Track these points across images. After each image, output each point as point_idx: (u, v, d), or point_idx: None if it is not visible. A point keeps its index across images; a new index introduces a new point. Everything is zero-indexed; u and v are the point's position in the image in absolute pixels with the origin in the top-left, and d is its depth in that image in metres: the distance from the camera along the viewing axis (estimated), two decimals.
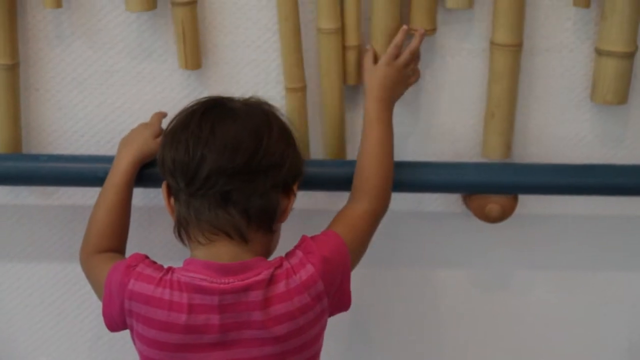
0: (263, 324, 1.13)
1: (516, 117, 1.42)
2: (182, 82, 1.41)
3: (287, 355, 1.15)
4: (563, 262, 1.53)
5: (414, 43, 1.32)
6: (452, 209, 1.48)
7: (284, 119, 1.23)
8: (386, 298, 1.54)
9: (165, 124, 1.26)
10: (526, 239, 1.50)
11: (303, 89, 1.38)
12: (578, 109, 1.42)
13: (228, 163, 1.14)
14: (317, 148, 1.42)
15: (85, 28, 1.38)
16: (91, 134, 1.43)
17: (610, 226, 1.50)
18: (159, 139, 1.28)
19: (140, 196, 1.42)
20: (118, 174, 1.29)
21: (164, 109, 1.39)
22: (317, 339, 1.18)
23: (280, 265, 1.15)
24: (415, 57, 1.34)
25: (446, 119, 1.43)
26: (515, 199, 1.41)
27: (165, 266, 1.17)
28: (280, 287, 1.14)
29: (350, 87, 1.40)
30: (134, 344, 1.18)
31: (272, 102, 1.25)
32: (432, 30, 1.35)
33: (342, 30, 1.35)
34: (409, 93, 1.37)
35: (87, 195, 1.43)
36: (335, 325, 1.26)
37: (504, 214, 1.40)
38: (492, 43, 1.36)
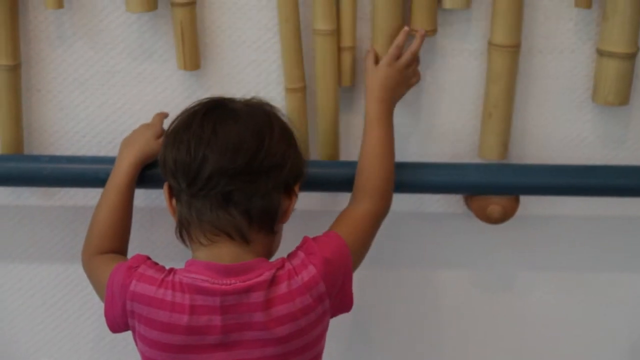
0: (265, 325, 1.13)
1: (517, 117, 1.42)
2: (184, 82, 1.41)
3: (288, 356, 1.15)
4: (564, 263, 1.53)
5: (415, 44, 1.33)
6: (453, 209, 1.48)
7: (285, 119, 1.23)
8: (387, 299, 1.54)
9: (166, 124, 1.26)
10: (527, 240, 1.50)
11: (303, 89, 1.38)
12: (579, 109, 1.42)
13: (230, 164, 1.14)
14: (316, 148, 1.42)
15: (86, 29, 1.38)
16: (93, 134, 1.43)
17: (611, 227, 1.50)
18: (161, 140, 1.28)
19: (142, 197, 1.42)
20: (120, 175, 1.29)
21: (165, 110, 1.39)
22: (319, 340, 1.18)
23: (282, 267, 1.15)
24: (416, 58, 1.34)
25: (447, 119, 1.43)
26: (517, 200, 1.41)
27: (167, 267, 1.17)
28: (282, 288, 1.13)
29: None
30: (136, 345, 1.18)
31: (272, 102, 1.25)
32: (432, 31, 1.35)
33: (337, 32, 1.35)
34: (409, 94, 1.37)
35: (88, 196, 1.43)
36: (336, 326, 1.26)
37: (505, 215, 1.40)
38: (490, 44, 1.36)
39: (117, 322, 1.18)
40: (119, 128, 1.42)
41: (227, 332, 1.12)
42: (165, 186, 1.21)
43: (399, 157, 1.32)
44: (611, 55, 1.34)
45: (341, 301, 1.19)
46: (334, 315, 1.20)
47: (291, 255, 1.18)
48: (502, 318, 1.56)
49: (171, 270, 1.16)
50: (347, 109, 1.41)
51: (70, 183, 1.39)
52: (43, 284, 1.52)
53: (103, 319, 1.19)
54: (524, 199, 1.42)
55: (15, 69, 1.37)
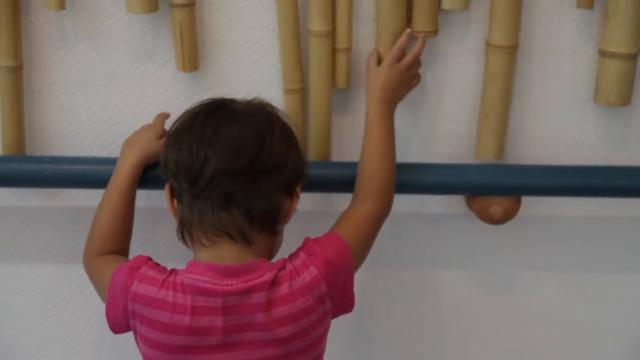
0: (266, 326, 1.13)
1: (518, 118, 1.42)
2: (185, 83, 1.41)
3: (290, 357, 1.15)
4: (566, 264, 1.53)
5: (417, 47, 1.32)
6: (454, 210, 1.48)
7: (286, 120, 1.23)
8: (388, 299, 1.54)
9: (168, 125, 1.26)
10: (529, 240, 1.50)
11: (301, 90, 1.38)
12: (581, 110, 1.42)
13: (231, 164, 1.14)
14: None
15: (88, 30, 1.39)
16: (94, 135, 1.44)
17: (613, 227, 1.50)
18: (162, 141, 1.28)
19: (144, 198, 1.42)
20: (121, 176, 1.29)
21: (167, 111, 1.39)
22: (321, 341, 1.18)
23: (284, 267, 1.15)
24: (418, 60, 1.34)
25: (448, 120, 1.43)
26: (518, 201, 1.41)
27: (169, 268, 1.17)
28: (284, 289, 1.14)
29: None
30: (137, 345, 1.18)
31: (273, 103, 1.25)
32: (433, 32, 1.35)
33: (333, 33, 1.35)
34: (410, 94, 1.37)
35: (90, 197, 1.43)
36: (338, 326, 1.26)
37: (506, 216, 1.40)
38: (488, 44, 1.36)
39: (119, 323, 1.18)
40: (120, 129, 1.42)
41: (229, 332, 1.12)
42: (167, 187, 1.21)
43: (400, 157, 1.32)
44: (613, 55, 1.34)
45: (342, 302, 1.19)
46: (335, 315, 1.20)
47: (292, 256, 1.18)
48: (503, 318, 1.56)
49: (172, 271, 1.16)
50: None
51: (72, 184, 1.39)
52: (45, 285, 1.52)
53: (104, 319, 1.19)
54: (525, 200, 1.42)
55: (17, 70, 1.37)
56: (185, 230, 1.18)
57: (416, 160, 1.43)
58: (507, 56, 1.35)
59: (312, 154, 1.40)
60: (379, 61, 1.33)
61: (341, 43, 1.36)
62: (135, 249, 1.29)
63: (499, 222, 1.40)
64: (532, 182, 1.39)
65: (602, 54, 1.35)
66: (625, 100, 1.37)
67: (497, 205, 1.39)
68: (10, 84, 1.37)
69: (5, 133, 1.39)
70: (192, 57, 1.37)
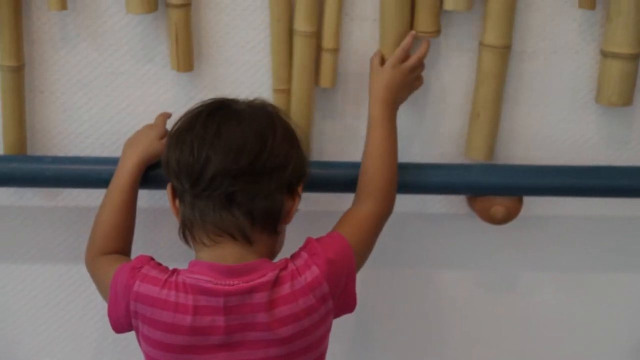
0: (268, 326, 1.13)
1: (519, 118, 1.42)
2: (186, 84, 1.41)
3: (292, 356, 1.15)
4: (568, 264, 1.53)
5: (422, 49, 1.32)
6: (457, 210, 1.48)
7: (288, 120, 1.23)
8: (390, 299, 1.55)
9: (170, 125, 1.26)
10: (531, 240, 1.50)
11: (288, 90, 1.37)
12: (583, 110, 1.42)
13: (233, 164, 1.14)
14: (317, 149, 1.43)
15: (90, 30, 1.38)
16: (96, 135, 1.44)
17: (614, 228, 1.50)
18: (164, 140, 1.28)
19: (145, 198, 1.42)
20: (123, 176, 1.29)
21: (168, 111, 1.39)
22: (322, 341, 1.18)
23: (285, 267, 1.15)
24: (422, 63, 1.34)
25: (449, 120, 1.43)
26: (520, 201, 1.41)
27: (171, 268, 1.17)
28: (285, 288, 1.14)
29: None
30: (139, 345, 1.18)
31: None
32: (436, 32, 1.35)
33: (319, 34, 1.34)
34: (412, 95, 1.37)
35: (91, 197, 1.43)
36: (340, 326, 1.26)
37: (508, 216, 1.40)
38: (482, 44, 1.36)
39: (121, 323, 1.18)
40: (122, 129, 1.42)
41: (231, 332, 1.12)
42: (169, 187, 1.21)
43: (402, 157, 1.32)
44: (615, 56, 1.34)
45: (344, 302, 1.19)
46: (337, 315, 1.20)
47: (294, 256, 1.18)
48: (505, 318, 1.56)
49: (174, 270, 1.16)
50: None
51: (73, 184, 1.39)
52: (46, 285, 1.52)
53: (106, 319, 1.19)
54: (527, 200, 1.42)
55: (18, 70, 1.37)
56: (187, 230, 1.18)
57: (418, 161, 1.43)
58: (500, 56, 1.35)
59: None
60: (382, 62, 1.33)
61: (328, 43, 1.35)
62: (137, 249, 1.29)
63: (501, 222, 1.40)
64: (534, 182, 1.39)
65: (604, 54, 1.35)
66: (627, 100, 1.37)
67: (499, 206, 1.39)
68: (12, 84, 1.37)
69: (6, 133, 1.39)
70: (186, 57, 1.36)
